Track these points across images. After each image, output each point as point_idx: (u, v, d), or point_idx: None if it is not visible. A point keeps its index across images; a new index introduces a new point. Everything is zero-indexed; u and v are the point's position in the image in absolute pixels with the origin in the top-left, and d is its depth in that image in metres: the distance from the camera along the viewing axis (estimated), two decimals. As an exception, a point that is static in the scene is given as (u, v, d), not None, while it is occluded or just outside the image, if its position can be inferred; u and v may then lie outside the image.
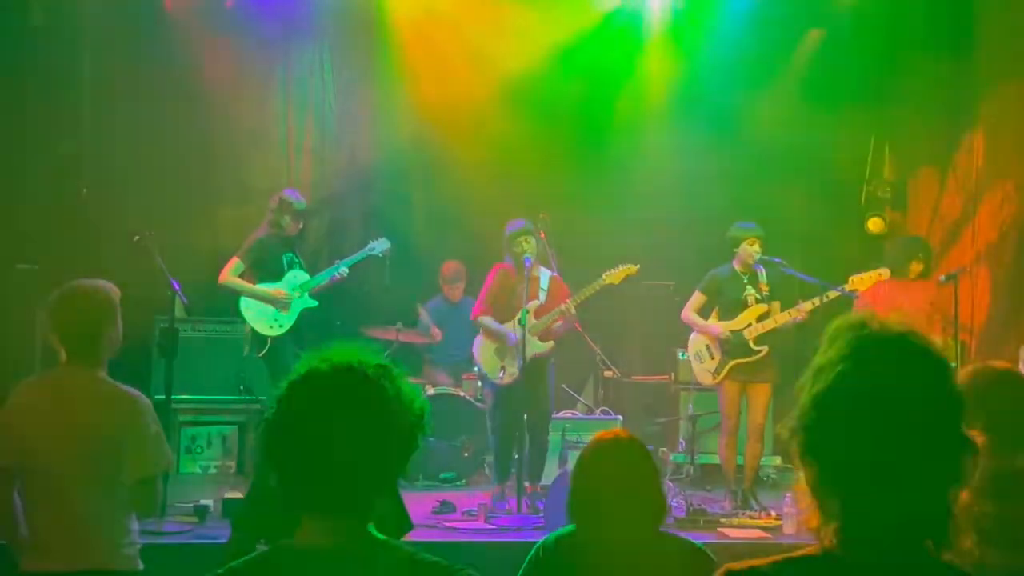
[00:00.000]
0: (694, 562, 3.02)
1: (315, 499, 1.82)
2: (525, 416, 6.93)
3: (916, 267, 7.48)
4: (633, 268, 6.99)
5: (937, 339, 7.28)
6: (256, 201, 8.36)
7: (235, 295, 7.10)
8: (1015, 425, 2.74)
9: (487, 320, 7.08)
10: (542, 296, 6.96)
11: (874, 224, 9.50)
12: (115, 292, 3.65)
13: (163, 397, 6.46)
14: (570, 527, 3.13)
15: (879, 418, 1.50)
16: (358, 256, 7.41)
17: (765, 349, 6.92)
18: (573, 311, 6.92)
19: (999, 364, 3.20)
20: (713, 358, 7.08)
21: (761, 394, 6.97)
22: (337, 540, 1.81)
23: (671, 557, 3.02)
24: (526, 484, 6.77)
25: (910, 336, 1.57)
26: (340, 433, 1.77)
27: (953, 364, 7.84)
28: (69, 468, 3.45)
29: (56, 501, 3.47)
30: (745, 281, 7.04)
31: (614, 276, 6.96)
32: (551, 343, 7.01)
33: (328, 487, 1.79)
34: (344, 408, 1.79)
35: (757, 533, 6.20)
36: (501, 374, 6.98)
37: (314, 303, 7.24)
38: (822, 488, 1.55)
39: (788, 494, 6.25)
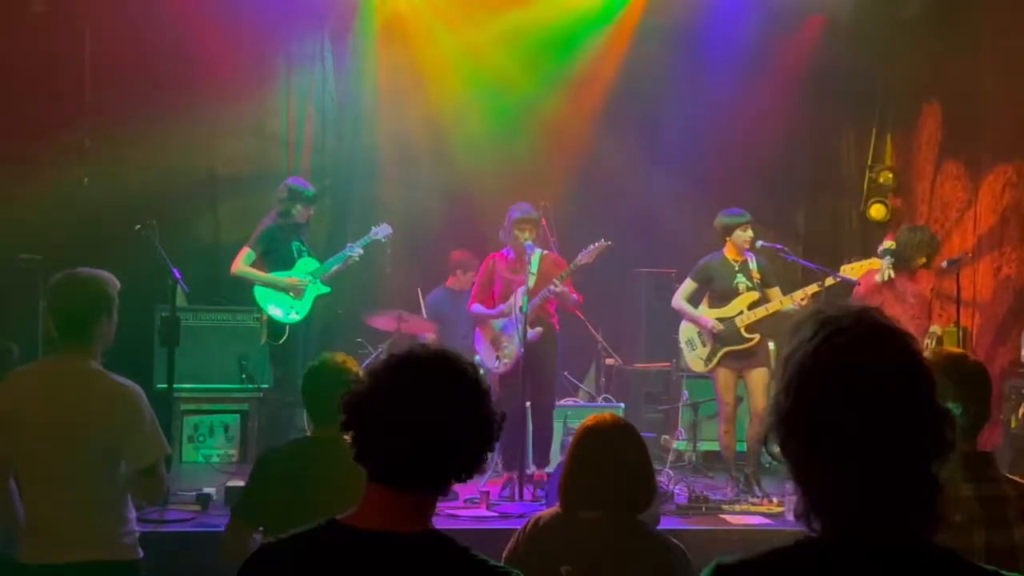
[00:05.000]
0: (665, 554, 3.04)
1: (392, 469, 1.85)
2: (528, 403, 6.94)
3: (921, 261, 7.48)
4: (604, 244, 6.89)
5: (935, 327, 7.34)
6: (257, 189, 8.36)
7: (248, 285, 7.14)
8: (977, 409, 2.76)
9: (477, 308, 7.15)
10: (530, 280, 6.89)
11: (876, 211, 9.49)
12: (113, 283, 3.62)
13: (165, 386, 6.48)
14: (558, 507, 3.16)
15: (849, 395, 1.49)
16: (363, 241, 7.45)
17: (757, 337, 6.92)
18: (558, 288, 6.85)
19: (953, 350, 3.23)
20: (705, 345, 7.08)
21: (759, 378, 6.96)
22: (400, 526, 1.84)
23: (644, 545, 3.04)
24: (535, 471, 6.80)
25: (869, 312, 1.57)
26: (433, 405, 1.84)
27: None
28: (63, 459, 3.43)
29: (51, 492, 3.45)
30: (736, 269, 7.04)
31: (589, 256, 6.86)
32: (539, 328, 6.94)
33: (410, 457, 1.84)
34: (443, 383, 1.87)
35: (759, 520, 6.21)
36: (496, 363, 7.00)
37: (327, 289, 7.33)
38: (804, 476, 1.54)
39: (789, 481, 6.25)
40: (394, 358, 1.92)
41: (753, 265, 7.06)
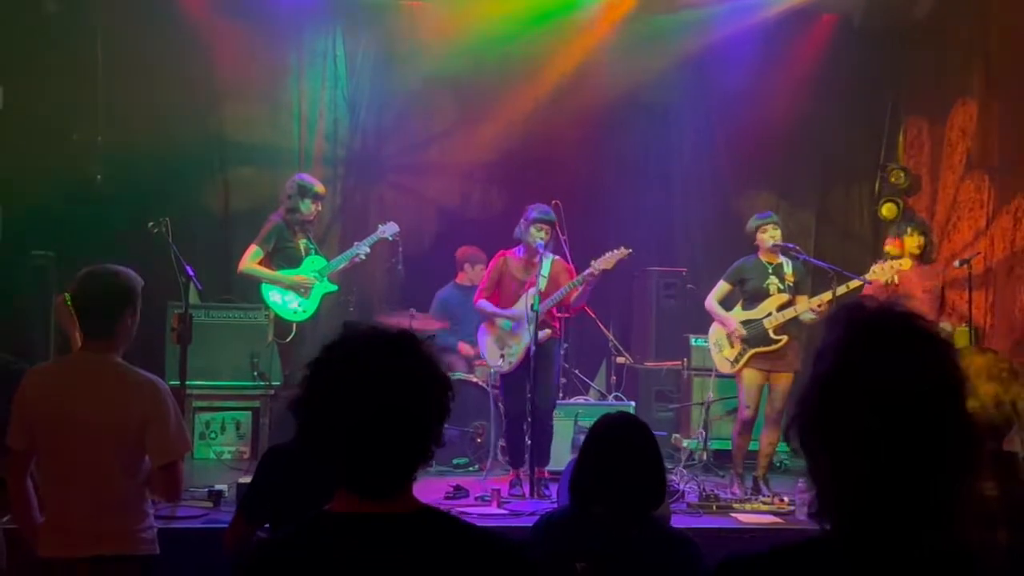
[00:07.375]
0: (678, 550, 3.05)
1: (358, 475, 1.79)
2: (528, 403, 6.85)
3: (912, 241, 7.42)
4: (624, 251, 6.76)
5: (945, 324, 7.32)
6: (269, 186, 8.38)
7: (256, 282, 7.14)
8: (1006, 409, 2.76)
9: (485, 304, 7.08)
10: (541, 283, 6.81)
11: (888, 210, 9.46)
12: (138, 281, 3.66)
13: (177, 383, 6.48)
14: (570, 504, 3.18)
15: (878, 402, 1.48)
16: (370, 240, 7.44)
17: (785, 338, 6.89)
18: (596, 271, 6.80)
19: (986, 348, 3.22)
20: (733, 347, 7.05)
21: (782, 382, 6.94)
22: (387, 507, 1.80)
23: (657, 541, 3.05)
24: (536, 470, 6.77)
25: (911, 319, 1.55)
26: (379, 383, 1.74)
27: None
28: (84, 453, 3.46)
29: (72, 486, 3.47)
30: (770, 271, 7.04)
31: (606, 262, 6.73)
32: (548, 331, 6.91)
33: (371, 461, 1.77)
34: (383, 356, 1.77)
35: (770, 519, 6.20)
36: (500, 361, 6.97)
37: (334, 287, 7.31)
38: (822, 473, 1.54)
39: (800, 479, 6.24)
40: (328, 351, 1.82)
41: (788, 269, 7.06)
